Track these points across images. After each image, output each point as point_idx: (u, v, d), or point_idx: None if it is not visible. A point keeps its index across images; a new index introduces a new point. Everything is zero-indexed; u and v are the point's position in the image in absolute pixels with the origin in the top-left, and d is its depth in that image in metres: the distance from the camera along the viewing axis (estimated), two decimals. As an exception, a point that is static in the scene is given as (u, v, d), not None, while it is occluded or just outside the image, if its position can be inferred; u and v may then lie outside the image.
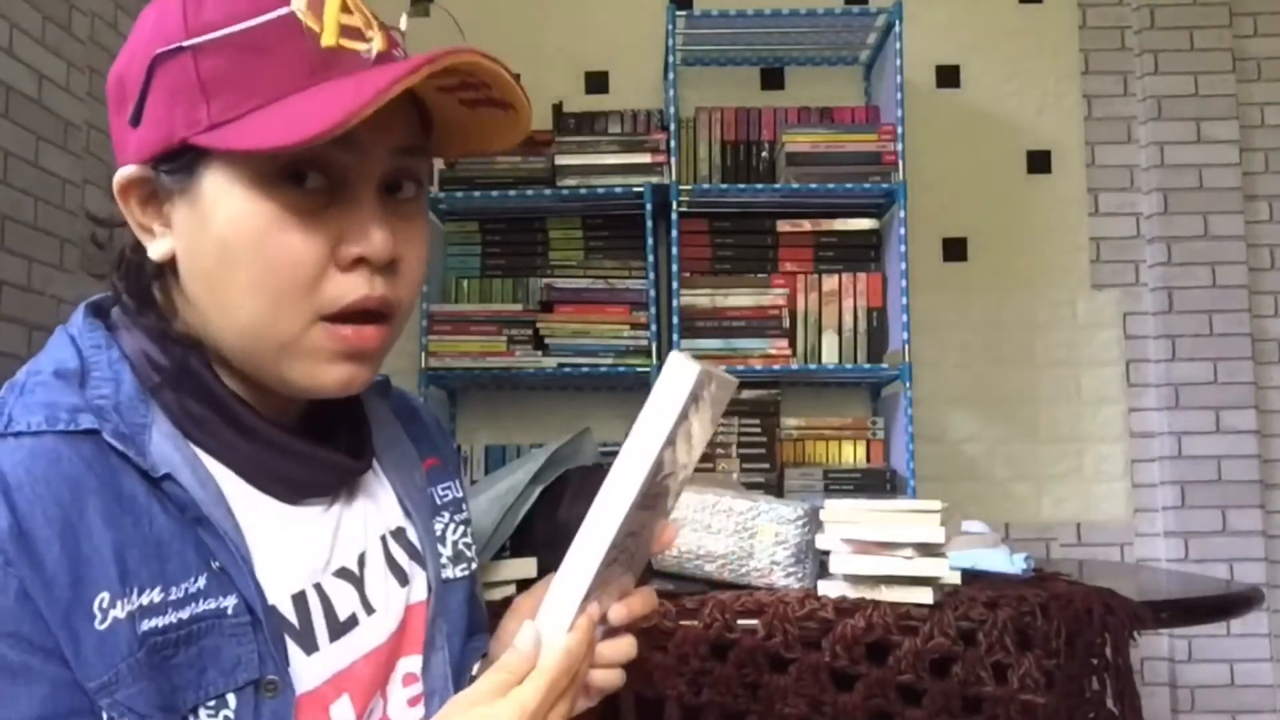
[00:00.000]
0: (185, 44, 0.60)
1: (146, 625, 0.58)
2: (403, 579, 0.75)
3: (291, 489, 0.68)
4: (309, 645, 0.66)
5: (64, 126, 2.34)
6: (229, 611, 0.61)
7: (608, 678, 0.69)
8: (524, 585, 1.17)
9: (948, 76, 2.94)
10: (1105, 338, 2.86)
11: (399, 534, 0.76)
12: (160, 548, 0.60)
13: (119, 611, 0.57)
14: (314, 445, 0.69)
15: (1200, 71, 2.85)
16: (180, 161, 0.62)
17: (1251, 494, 2.74)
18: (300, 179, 0.61)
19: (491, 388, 2.84)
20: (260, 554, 0.65)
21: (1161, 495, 2.79)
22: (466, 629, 0.81)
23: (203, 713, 0.60)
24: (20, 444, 0.58)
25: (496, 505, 1.26)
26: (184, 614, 0.60)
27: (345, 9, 0.63)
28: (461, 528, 0.82)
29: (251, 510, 0.66)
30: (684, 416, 0.63)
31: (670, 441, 0.63)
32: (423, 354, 2.59)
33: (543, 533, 1.30)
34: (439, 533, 0.79)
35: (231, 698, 0.61)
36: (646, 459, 0.62)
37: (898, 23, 2.57)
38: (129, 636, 0.57)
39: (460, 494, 0.84)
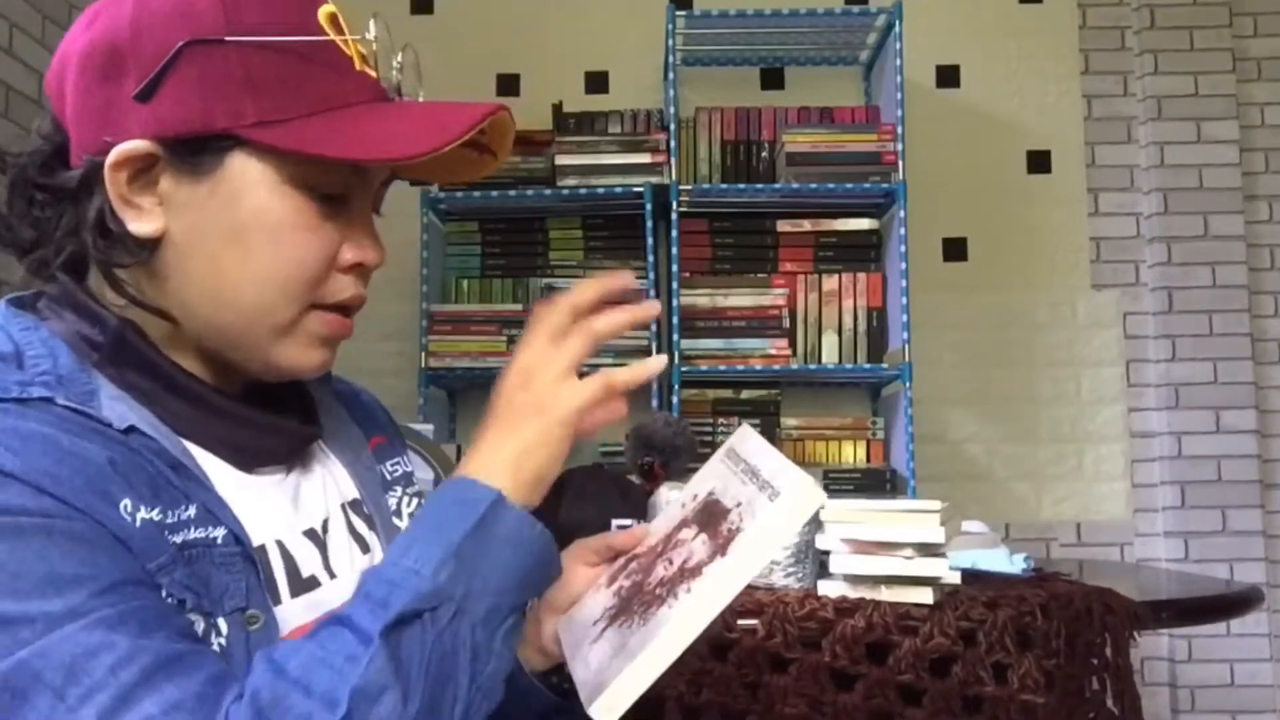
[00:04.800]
0: (228, 39, 0.63)
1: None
2: (364, 547, 0.76)
3: (244, 455, 0.70)
4: (273, 597, 0.67)
5: (64, 126, 2.34)
6: (219, 541, 0.63)
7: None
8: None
9: (948, 76, 2.94)
10: (1105, 338, 2.86)
11: (356, 505, 0.78)
12: (149, 477, 0.62)
13: (144, 514, 0.60)
14: (261, 412, 0.72)
15: (1200, 71, 2.85)
16: (210, 145, 0.65)
17: (1251, 494, 2.74)
18: (315, 187, 0.67)
19: (491, 388, 2.82)
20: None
21: (1161, 495, 2.78)
22: None
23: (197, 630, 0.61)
24: None
25: (496, 505, 1.26)
26: (178, 539, 0.61)
27: (359, 37, 0.69)
28: (415, 500, 0.84)
29: (210, 473, 0.67)
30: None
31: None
32: (423, 354, 2.59)
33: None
34: (394, 507, 0.81)
35: (223, 623, 0.62)
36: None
37: (898, 23, 2.57)
38: (160, 533, 0.60)
39: (410, 468, 0.87)
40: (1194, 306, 2.79)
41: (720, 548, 0.68)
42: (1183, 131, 2.84)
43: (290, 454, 0.74)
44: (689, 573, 0.68)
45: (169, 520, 0.61)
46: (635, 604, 0.71)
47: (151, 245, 0.66)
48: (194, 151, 0.65)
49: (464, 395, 2.87)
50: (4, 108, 2.17)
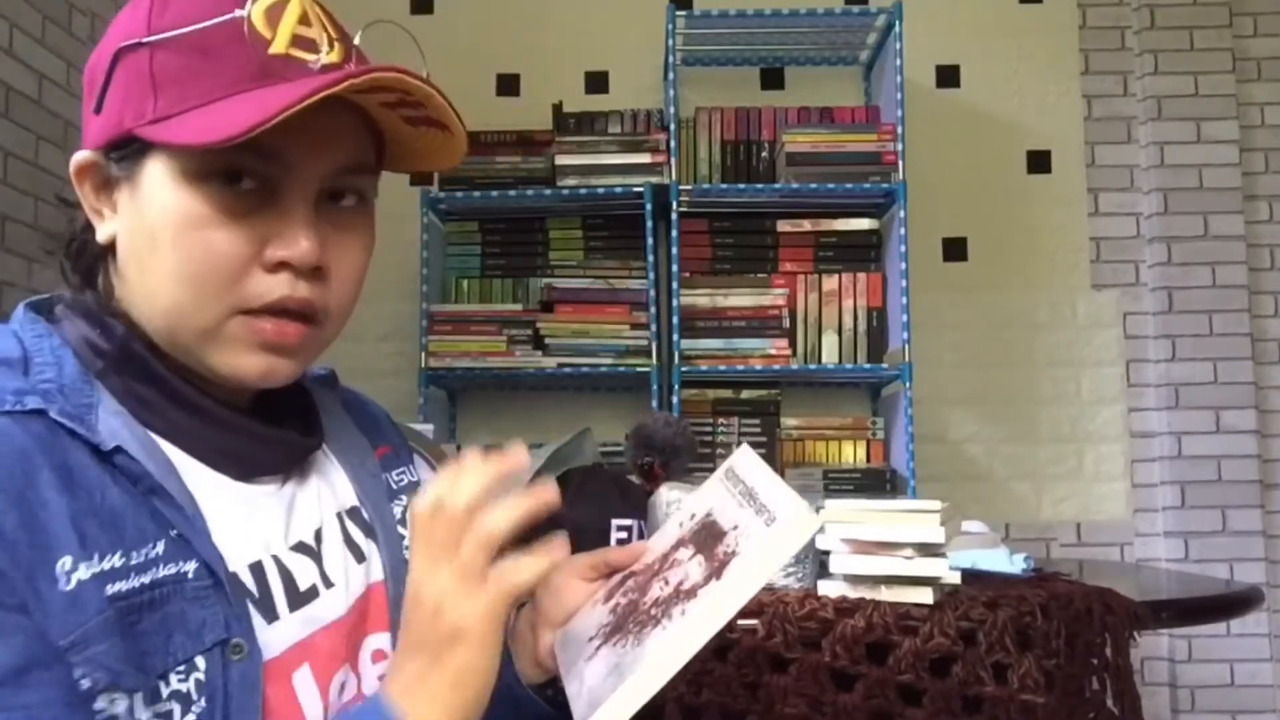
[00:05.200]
0: (144, 40, 0.64)
1: (111, 589, 0.59)
2: (359, 556, 0.76)
3: (242, 466, 0.70)
4: (269, 614, 0.67)
5: (64, 126, 2.34)
6: (190, 575, 0.62)
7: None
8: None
9: (948, 76, 2.94)
10: (1105, 338, 2.86)
11: (354, 513, 0.78)
12: (115, 517, 0.61)
13: (83, 574, 0.58)
14: (262, 424, 0.71)
15: (1200, 71, 2.85)
16: (128, 150, 0.66)
17: (1251, 494, 2.74)
18: (235, 179, 0.64)
19: (491, 388, 2.84)
20: (214, 526, 0.66)
21: (1161, 495, 2.79)
22: None
23: (173, 678, 0.60)
24: None
25: (496, 505, 1.26)
26: (145, 579, 0.60)
27: (304, 21, 0.66)
28: None
29: (203, 486, 0.67)
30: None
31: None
32: (423, 354, 2.59)
33: (543, 533, 1.30)
34: (399, 515, 0.81)
35: (200, 660, 0.61)
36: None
37: (898, 23, 2.57)
38: (96, 597, 0.58)
39: (416, 478, 0.86)
40: (1194, 306, 2.79)
41: (716, 571, 0.68)
42: (1183, 131, 2.84)
43: (289, 465, 0.74)
44: (684, 594, 0.69)
45: (134, 561, 0.60)
46: (630, 623, 0.71)
47: (110, 251, 0.69)
48: (121, 157, 0.66)
49: (464, 395, 2.87)
50: (4, 108, 2.17)
